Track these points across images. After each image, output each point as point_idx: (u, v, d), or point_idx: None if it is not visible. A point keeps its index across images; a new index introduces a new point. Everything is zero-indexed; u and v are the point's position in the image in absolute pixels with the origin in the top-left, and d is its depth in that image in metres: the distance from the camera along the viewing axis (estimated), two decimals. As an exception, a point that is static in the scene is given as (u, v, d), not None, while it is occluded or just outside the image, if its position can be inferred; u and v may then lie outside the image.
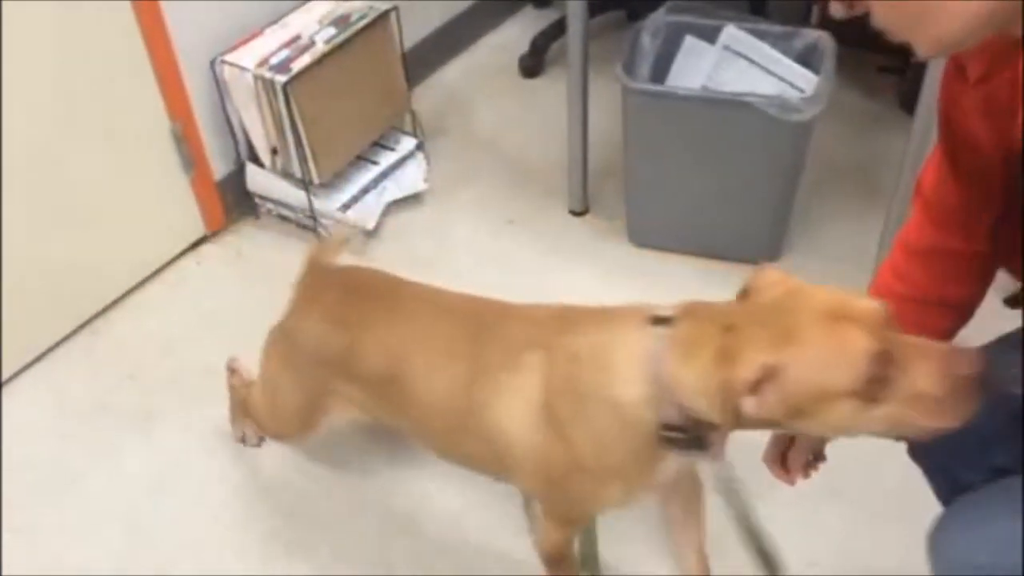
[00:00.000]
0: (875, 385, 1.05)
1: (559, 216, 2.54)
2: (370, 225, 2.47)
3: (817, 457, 1.38)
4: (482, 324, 1.44)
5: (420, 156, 2.66)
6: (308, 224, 2.50)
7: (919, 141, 1.83)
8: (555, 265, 2.40)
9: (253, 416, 1.89)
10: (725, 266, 2.33)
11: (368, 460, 1.97)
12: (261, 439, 1.99)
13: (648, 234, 2.39)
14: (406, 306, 1.56)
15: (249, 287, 2.39)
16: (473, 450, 1.46)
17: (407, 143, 2.65)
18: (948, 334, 1.30)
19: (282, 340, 1.69)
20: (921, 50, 0.97)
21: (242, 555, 1.82)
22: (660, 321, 1.20)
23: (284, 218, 2.56)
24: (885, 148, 2.59)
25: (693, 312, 1.20)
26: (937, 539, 1.21)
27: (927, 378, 1.05)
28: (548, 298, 2.26)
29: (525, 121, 2.89)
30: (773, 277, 1.19)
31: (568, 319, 1.35)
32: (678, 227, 2.35)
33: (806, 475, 1.37)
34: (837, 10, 0.98)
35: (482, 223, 2.54)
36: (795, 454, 1.35)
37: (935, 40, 0.94)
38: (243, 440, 2.00)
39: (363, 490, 1.92)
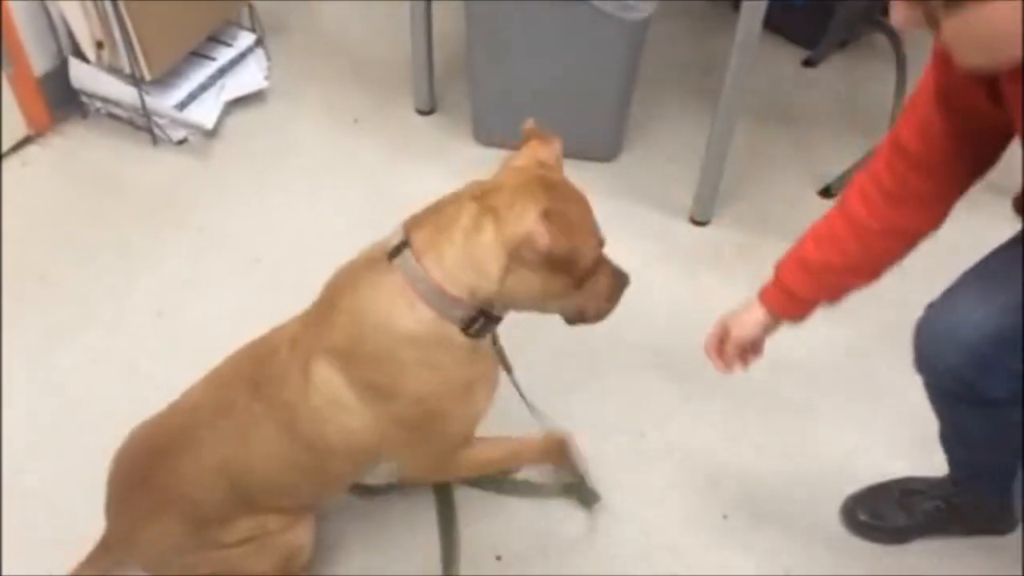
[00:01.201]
0: (585, 273, 1.33)
1: (406, 114, 2.53)
2: (209, 124, 2.39)
3: (754, 350, 1.52)
4: (250, 380, 1.38)
5: (260, 52, 2.57)
6: (142, 123, 2.39)
7: (744, 39, 1.92)
8: (401, 164, 2.40)
9: None
10: (568, 163, 2.38)
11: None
12: None
13: (493, 132, 2.42)
14: (169, 436, 1.43)
15: (79, 189, 2.29)
16: (340, 469, 1.44)
17: (245, 38, 2.55)
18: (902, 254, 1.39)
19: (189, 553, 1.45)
20: (993, 66, 0.99)
21: None
22: (395, 252, 1.28)
23: (115, 117, 2.43)
24: (720, 48, 2.69)
25: (415, 223, 1.30)
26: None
27: (607, 281, 1.44)
28: (395, 198, 2.29)
29: (369, 17, 2.82)
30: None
31: (315, 315, 1.37)
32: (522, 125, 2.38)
33: (743, 365, 1.52)
34: (898, 20, 1.00)
35: (327, 122, 2.50)
36: (731, 345, 1.50)
37: (1012, 60, 0.96)
38: None
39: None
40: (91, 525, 1.62)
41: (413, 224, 1.30)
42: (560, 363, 1.93)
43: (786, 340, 2.01)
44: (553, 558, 1.67)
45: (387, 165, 2.40)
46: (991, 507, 1.54)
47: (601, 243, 1.39)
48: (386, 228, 2.19)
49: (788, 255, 1.47)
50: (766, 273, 2.18)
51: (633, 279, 2.17)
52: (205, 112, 2.39)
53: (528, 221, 1.22)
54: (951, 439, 1.54)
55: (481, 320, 1.30)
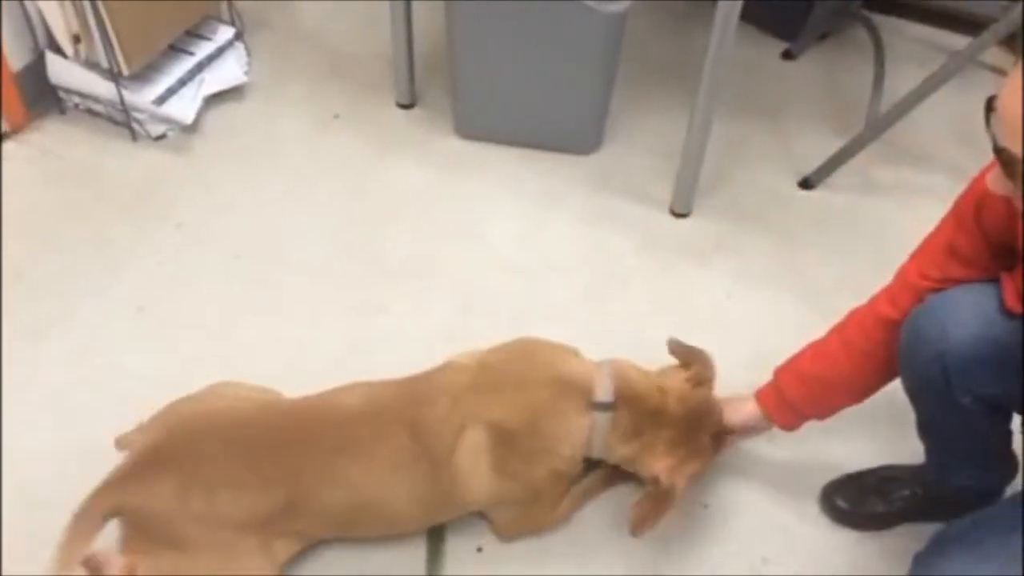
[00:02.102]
0: None
1: (386, 109, 2.53)
2: (188, 119, 2.37)
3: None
4: (410, 422, 1.52)
5: (239, 47, 2.56)
6: (120, 119, 2.38)
7: (721, 32, 1.93)
8: (383, 159, 2.40)
9: None
10: (548, 156, 2.40)
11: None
12: None
13: (474, 125, 2.42)
14: (320, 434, 1.52)
15: (57, 187, 2.27)
16: (447, 512, 1.62)
17: (224, 32, 2.54)
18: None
19: (184, 528, 1.45)
20: None
21: None
22: (600, 407, 1.53)
23: (94, 113, 2.42)
24: (699, 41, 2.70)
25: (630, 399, 1.55)
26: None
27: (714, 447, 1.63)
28: (376, 193, 2.30)
29: (349, 11, 2.81)
30: (706, 367, 1.62)
31: (490, 384, 1.55)
32: (503, 118, 2.39)
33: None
34: (993, 187, 1.12)
35: (307, 117, 2.49)
36: None
37: None
38: None
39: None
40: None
41: (626, 397, 1.54)
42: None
43: (769, 330, 2.05)
44: (533, 551, 1.67)
45: (368, 160, 2.39)
46: (967, 494, 1.55)
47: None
48: (367, 224, 2.24)
49: (787, 362, 1.61)
50: (745, 265, 2.22)
51: (613, 271, 2.21)
52: (184, 107, 2.38)
53: (659, 469, 1.53)
54: (925, 430, 1.56)
55: None
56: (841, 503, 1.70)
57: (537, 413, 1.52)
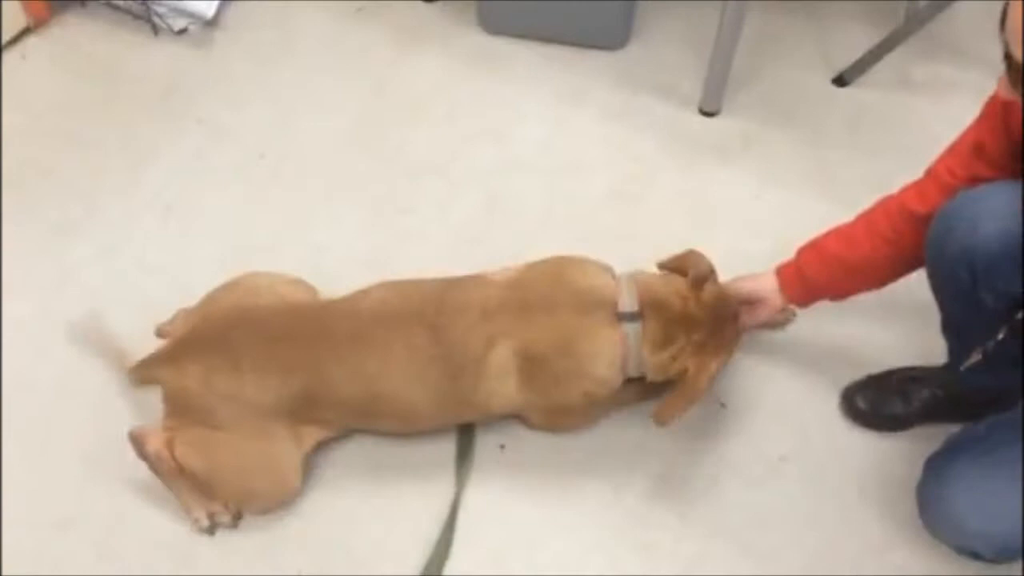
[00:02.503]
0: None
1: (410, 2, 2.46)
2: (209, 13, 2.33)
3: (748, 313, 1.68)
4: (434, 327, 1.54)
5: (259, -63, 2.50)
6: (141, 13, 2.34)
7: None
8: (406, 53, 2.35)
9: (210, 484, 1.56)
10: (574, 52, 2.34)
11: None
12: (236, 514, 1.62)
13: (499, 20, 2.36)
14: (343, 329, 1.56)
15: (81, 83, 2.26)
16: (466, 416, 1.66)
17: (244, -77, 2.47)
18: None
19: (214, 407, 1.53)
20: None
21: None
22: (628, 317, 1.53)
23: (114, 6, 2.38)
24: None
25: (654, 305, 1.54)
26: (929, 496, 1.38)
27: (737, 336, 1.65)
28: (398, 90, 2.26)
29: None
30: (701, 262, 1.58)
31: (521, 302, 1.55)
32: (528, 12, 2.32)
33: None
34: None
35: (330, 10, 2.44)
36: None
37: None
38: (211, 525, 1.59)
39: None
40: (100, 424, 1.69)
41: (651, 305, 1.54)
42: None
43: (794, 229, 2.03)
44: (553, 448, 1.71)
45: (390, 54, 2.35)
46: (986, 396, 1.55)
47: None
48: (389, 121, 2.21)
49: (810, 242, 1.64)
50: (773, 164, 2.18)
51: (638, 170, 2.18)
52: (205, 1, 2.34)
53: (709, 378, 1.53)
54: (948, 327, 1.56)
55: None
56: (861, 403, 1.71)
57: (568, 334, 1.54)
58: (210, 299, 1.67)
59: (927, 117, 2.23)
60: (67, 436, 1.71)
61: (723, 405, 1.77)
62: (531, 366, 1.55)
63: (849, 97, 2.28)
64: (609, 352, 1.55)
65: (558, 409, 1.64)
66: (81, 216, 2.01)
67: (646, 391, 1.69)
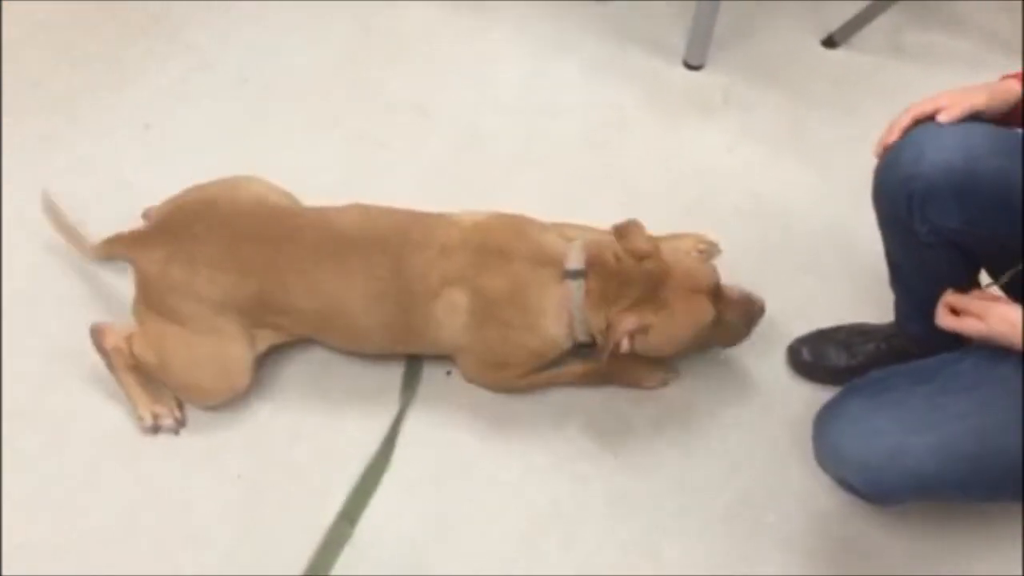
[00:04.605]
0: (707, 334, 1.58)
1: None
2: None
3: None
4: (396, 256, 1.58)
5: None
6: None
7: None
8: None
9: (161, 376, 1.63)
10: (560, 3, 2.34)
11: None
12: (180, 419, 1.67)
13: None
14: (307, 251, 1.59)
15: (77, 1, 2.30)
16: (412, 346, 1.69)
17: None
18: None
19: (168, 296, 1.58)
20: None
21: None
22: (572, 274, 1.56)
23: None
24: None
25: (596, 265, 1.56)
26: (818, 425, 1.37)
27: (737, 322, 1.62)
28: (381, 26, 2.27)
29: None
30: (641, 234, 1.56)
31: (480, 248, 1.58)
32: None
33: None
34: None
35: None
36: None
37: None
38: (154, 426, 1.65)
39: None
40: (68, 323, 1.74)
41: (595, 264, 1.56)
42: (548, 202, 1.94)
43: (763, 185, 2.03)
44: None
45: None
46: (925, 347, 1.55)
47: (720, 294, 1.59)
48: (372, 58, 2.22)
49: None
50: (752, 121, 2.17)
51: (615, 120, 2.18)
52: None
53: (620, 331, 1.52)
54: (891, 272, 1.56)
55: (584, 346, 1.63)
56: (806, 355, 1.72)
57: (518, 284, 1.57)
58: (195, 189, 1.72)
59: (915, 85, 2.16)
60: (34, 332, 1.76)
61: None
62: (481, 310, 1.58)
63: (837, 59, 2.27)
64: (554, 306, 1.58)
65: (496, 362, 1.66)
66: (62, 127, 2.06)
67: (590, 376, 1.71)
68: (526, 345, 1.62)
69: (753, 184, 2.02)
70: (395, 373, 1.73)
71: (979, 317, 1.27)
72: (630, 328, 1.52)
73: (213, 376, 1.61)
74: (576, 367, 1.72)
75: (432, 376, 1.73)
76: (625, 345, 1.54)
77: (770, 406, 1.72)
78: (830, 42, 2.27)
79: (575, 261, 1.58)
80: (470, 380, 1.73)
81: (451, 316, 1.59)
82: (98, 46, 2.21)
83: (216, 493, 1.60)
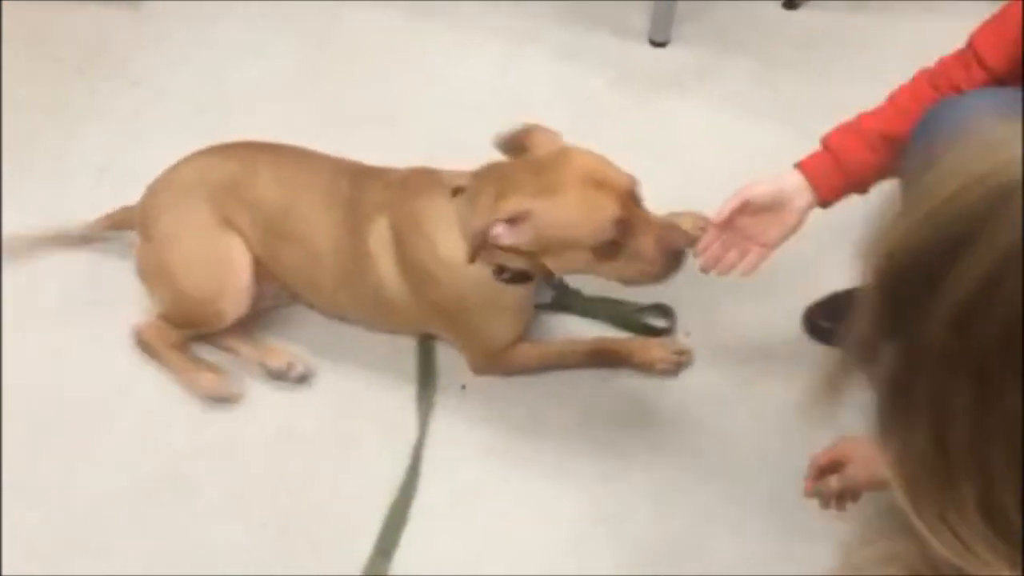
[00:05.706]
0: (609, 246, 1.38)
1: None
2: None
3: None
4: (352, 180, 1.62)
5: None
6: (66, -25, 2.26)
7: None
8: (348, 2, 2.28)
9: (177, 303, 1.66)
10: (519, -9, 2.29)
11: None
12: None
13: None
14: (287, 154, 1.69)
15: (6, 43, 2.16)
16: (363, 299, 1.64)
17: None
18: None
19: (163, 192, 1.69)
20: None
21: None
22: (456, 191, 1.50)
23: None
24: None
25: (479, 174, 1.48)
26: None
27: (648, 246, 1.39)
28: (337, 37, 2.19)
29: None
30: (546, 138, 1.44)
31: (401, 181, 1.59)
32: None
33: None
34: None
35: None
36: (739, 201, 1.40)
37: None
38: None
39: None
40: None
41: (477, 173, 1.49)
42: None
43: (747, 156, 1.99)
44: (514, 388, 1.67)
45: (332, 4, 2.26)
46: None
47: (622, 219, 1.39)
48: (330, 71, 2.14)
49: (837, 128, 1.41)
50: (726, 93, 2.13)
51: (588, 107, 2.12)
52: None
53: (488, 219, 1.39)
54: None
55: (508, 273, 1.51)
56: (823, 322, 1.69)
57: (417, 213, 1.54)
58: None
59: (881, 38, 2.20)
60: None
61: (688, 334, 1.73)
62: (397, 244, 1.56)
63: (801, 21, 2.25)
64: (444, 227, 1.51)
65: (468, 328, 1.61)
66: (12, 180, 1.93)
67: (598, 354, 1.67)
68: (452, 286, 1.53)
69: (737, 153, 1.98)
70: (407, 394, 1.66)
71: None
72: (501, 215, 1.36)
73: (210, 273, 1.62)
74: (582, 343, 1.68)
75: (447, 391, 1.67)
76: (502, 235, 1.38)
77: (793, 378, 1.68)
78: (791, 3, 2.25)
79: (462, 179, 1.52)
80: (476, 370, 1.67)
81: (382, 251, 1.57)
82: (35, 91, 2.09)
83: (242, 543, 1.52)
